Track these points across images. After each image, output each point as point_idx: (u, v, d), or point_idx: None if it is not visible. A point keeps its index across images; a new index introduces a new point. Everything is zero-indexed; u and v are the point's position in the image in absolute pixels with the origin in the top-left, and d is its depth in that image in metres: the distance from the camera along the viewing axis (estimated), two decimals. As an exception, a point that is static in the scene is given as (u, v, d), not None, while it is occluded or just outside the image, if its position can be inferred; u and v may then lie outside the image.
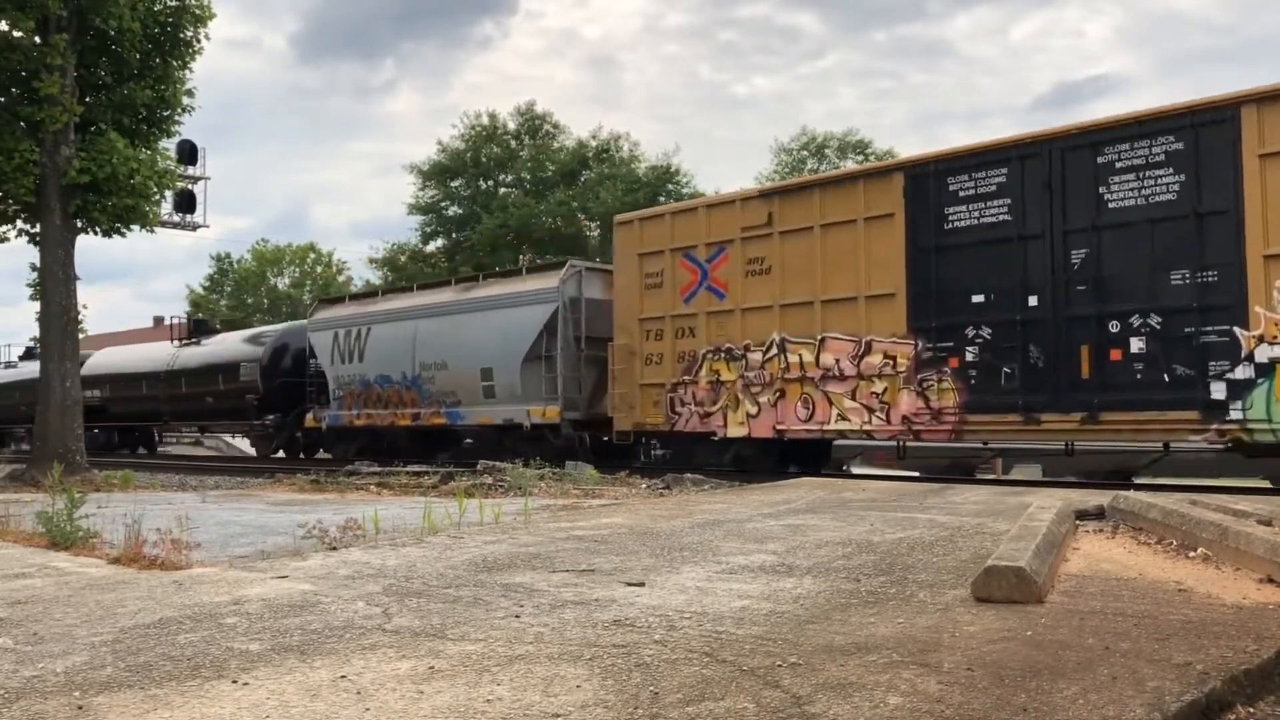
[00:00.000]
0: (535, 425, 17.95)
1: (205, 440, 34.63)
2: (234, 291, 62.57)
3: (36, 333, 17.56)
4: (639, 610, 4.54)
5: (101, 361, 30.94)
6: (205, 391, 26.43)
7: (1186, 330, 11.49)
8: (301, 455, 25.28)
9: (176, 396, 27.62)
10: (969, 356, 13.21)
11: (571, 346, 17.90)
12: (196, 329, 30.18)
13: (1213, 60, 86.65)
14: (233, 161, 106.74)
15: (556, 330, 17.88)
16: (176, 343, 29.07)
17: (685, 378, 16.02)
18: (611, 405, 17.08)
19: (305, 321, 26.54)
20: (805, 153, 50.05)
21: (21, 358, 36.17)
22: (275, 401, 24.54)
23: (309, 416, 23.29)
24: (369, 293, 24.63)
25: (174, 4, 17.38)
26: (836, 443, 15.95)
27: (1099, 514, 7.32)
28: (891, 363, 13.81)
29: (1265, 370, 11.00)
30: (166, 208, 20.82)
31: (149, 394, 28.51)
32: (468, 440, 21.36)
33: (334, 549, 6.84)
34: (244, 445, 32.53)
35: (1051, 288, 12.55)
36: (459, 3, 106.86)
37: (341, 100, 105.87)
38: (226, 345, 27.06)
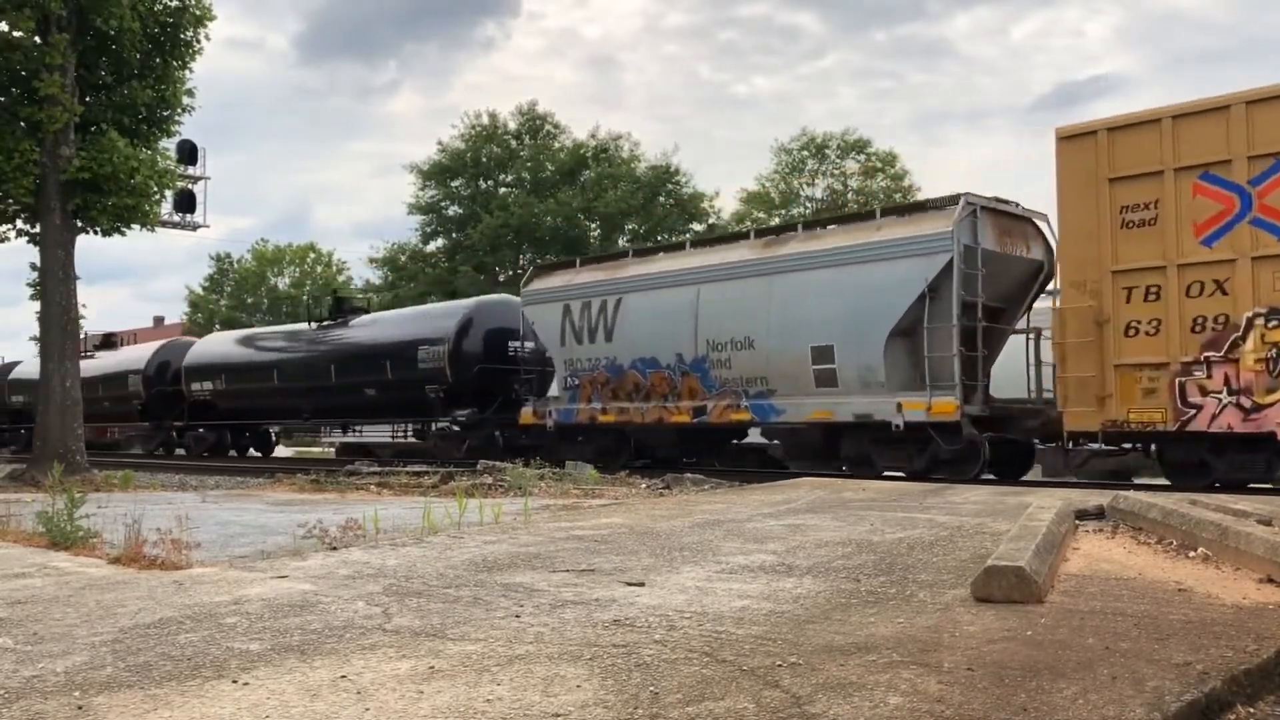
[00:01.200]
0: (910, 423, 13.60)
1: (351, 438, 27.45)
2: (234, 291, 62.56)
3: (37, 333, 17.53)
4: (639, 610, 4.54)
5: (211, 350, 28.11)
6: (365, 382, 22.07)
7: None
8: (505, 461, 18.93)
9: (322, 389, 23.28)
10: None
11: (962, 314, 13.45)
12: (338, 308, 25.38)
13: (1213, 60, 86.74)
14: (234, 161, 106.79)
15: (946, 291, 13.41)
16: (313, 325, 24.75)
17: (1210, 354, 11.35)
18: (1061, 395, 12.44)
19: (496, 297, 22.89)
20: (805, 153, 50.05)
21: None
22: (466, 393, 20.04)
23: (526, 411, 18.36)
24: (613, 255, 19.53)
25: (174, 4, 17.39)
26: None
27: (1099, 514, 7.32)
28: None
29: None
30: (166, 208, 20.83)
31: (282, 386, 24.64)
32: (774, 442, 17.55)
33: (334, 549, 6.84)
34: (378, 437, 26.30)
35: None
36: (461, 4, 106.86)
37: (343, 101, 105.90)
38: (392, 326, 22.74)
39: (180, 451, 29.29)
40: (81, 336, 20.76)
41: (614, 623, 4.29)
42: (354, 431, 26.27)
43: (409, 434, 24.48)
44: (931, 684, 3.31)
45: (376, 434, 26.08)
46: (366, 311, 25.80)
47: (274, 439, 30.08)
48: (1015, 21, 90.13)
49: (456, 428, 20.59)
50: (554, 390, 18.49)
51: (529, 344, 19.82)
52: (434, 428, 21.89)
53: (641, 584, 5.19)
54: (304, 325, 25.49)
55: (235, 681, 3.46)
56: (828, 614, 4.43)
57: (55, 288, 16.66)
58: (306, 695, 3.28)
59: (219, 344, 28.84)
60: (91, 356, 29.79)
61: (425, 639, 4.03)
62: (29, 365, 32.45)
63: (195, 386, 27.45)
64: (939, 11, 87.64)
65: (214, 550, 7.04)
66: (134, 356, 30.30)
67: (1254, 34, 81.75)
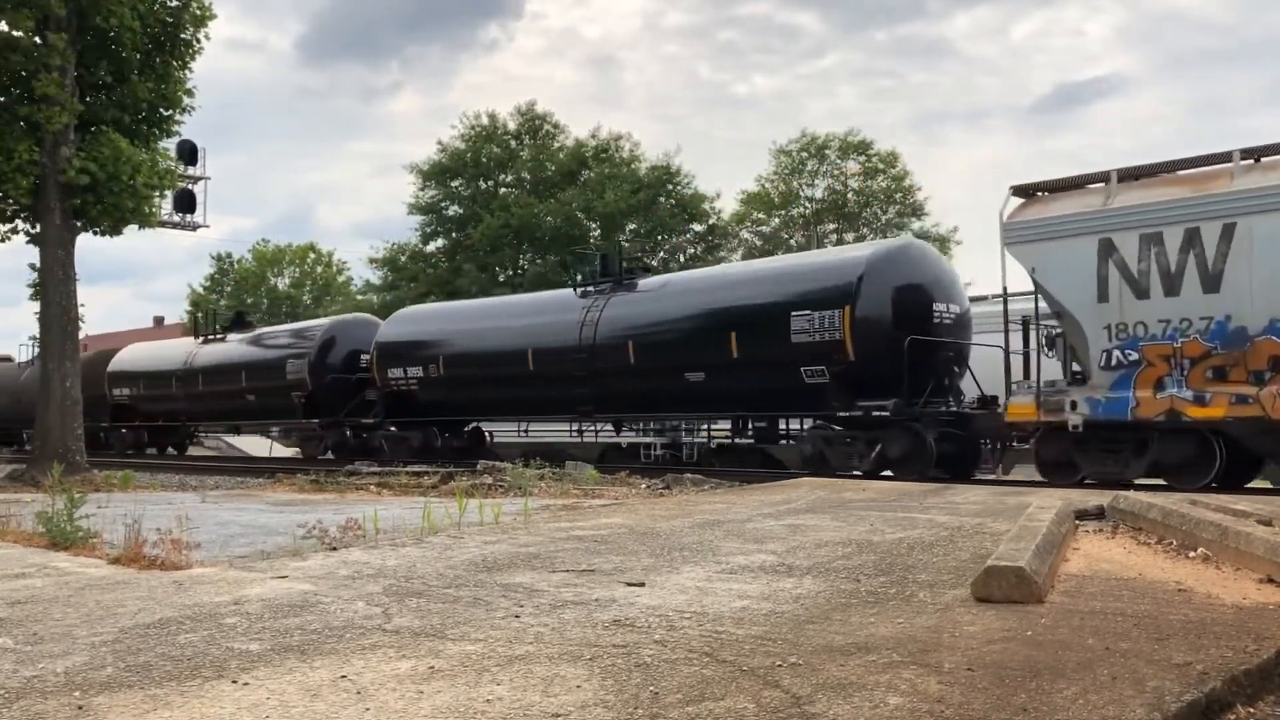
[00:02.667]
0: None
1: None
2: (234, 292, 62.59)
3: (36, 333, 17.52)
4: (639, 610, 4.54)
5: (418, 328, 22.07)
6: (754, 365, 15.25)
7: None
8: (996, 474, 15.36)
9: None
10: None
11: None
12: (599, 272, 19.33)
13: (1213, 60, 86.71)
14: (236, 162, 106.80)
15: None
16: (579, 292, 18.95)
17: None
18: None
19: (895, 241, 17.47)
20: (805, 154, 50.04)
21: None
22: (874, 377, 13.92)
23: (1021, 402, 12.47)
24: (1190, 161, 12.13)
25: (174, 4, 17.39)
26: None
27: (1099, 514, 7.31)
28: None
29: None
30: (166, 208, 20.84)
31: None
32: None
33: (334, 549, 6.84)
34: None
35: None
36: (465, 7, 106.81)
37: (345, 102, 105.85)
38: (770, 279, 16.01)
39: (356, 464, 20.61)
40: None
41: (614, 623, 4.29)
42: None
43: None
44: (931, 684, 3.31)
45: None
46: (654, 272, 21.69)
47: (489, 439, 22.95)
48: (1015, 21, 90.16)
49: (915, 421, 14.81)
50: (1055, 372, 12.71)
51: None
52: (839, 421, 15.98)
53: (641, 584, 5.19)
54: (570, 293, 19.90)
55: (235, 681, 3.46)
56: (828, 614, 4.43)
57: (55, 288, 16.66)
58: (306, 695, 3.28)
59: (426, 319, 22.63)
60: (220, 339, 26.61)
61: (425, 639, 4.03)
62: (141, 352, 29.52)
63: (394, 374, 21.23)
64: (939, 11, 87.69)
65: (214, 550, 7.04)
66: (289, 339, 25.37)
67: (1255, 33, 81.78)
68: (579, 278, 20.62)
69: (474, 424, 22.17)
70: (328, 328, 24.28)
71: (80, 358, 27.24)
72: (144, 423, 28.43)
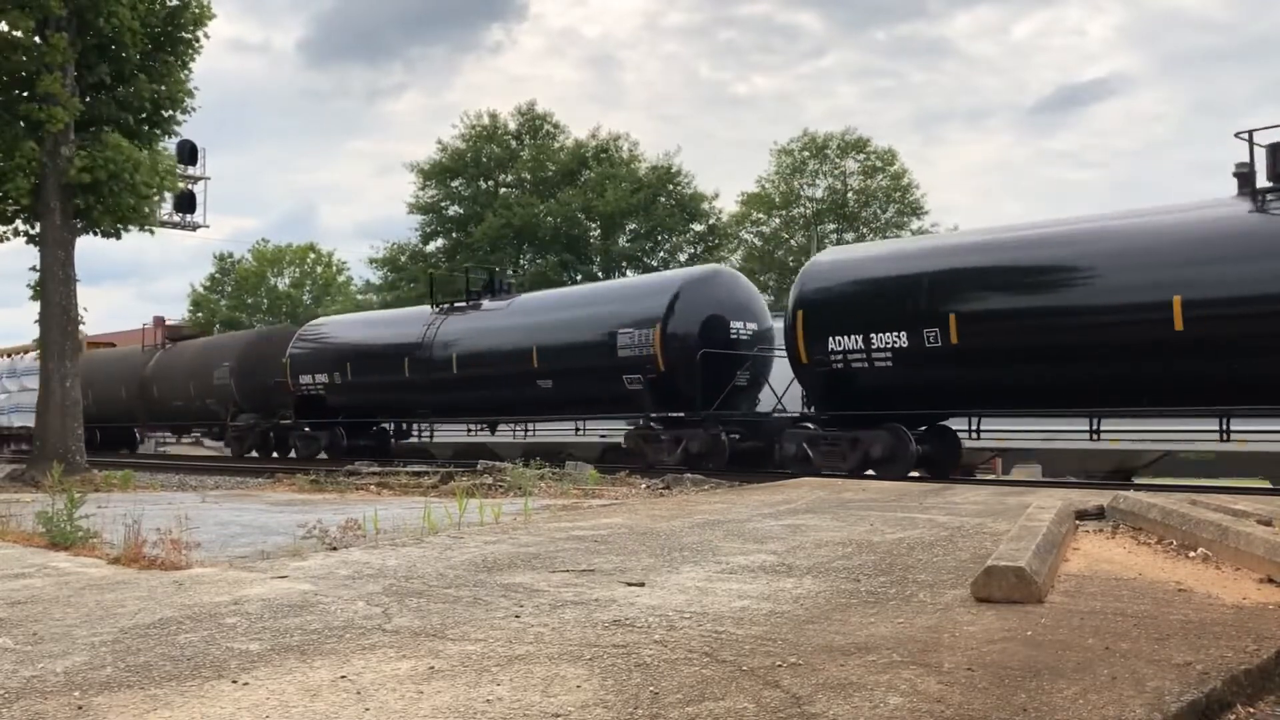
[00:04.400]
0: None
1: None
2: (234, 292, 62.59)
3: (37, 333, 17.50)
4: (639, 610, 4.54)
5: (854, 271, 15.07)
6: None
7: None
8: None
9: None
10: None
11: None
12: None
13: (1213, 59, 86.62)
14: (238, 162, 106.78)
15: None
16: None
17: None
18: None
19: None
20: (806, 154, 50.06)
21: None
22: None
23: None
24: None
25: (174, 3, 17.39)
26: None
27: (1099, 514, 7.31)
28: None
29: None
30: (166, 208, 20.83)
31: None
32: None
33: (334, 549, 6.83)
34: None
35: None
36: (468, 10, 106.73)
37: (347, 103, 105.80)
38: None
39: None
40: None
41: (614, 623, 4.29)
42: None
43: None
44: (931, 684, 3.31)
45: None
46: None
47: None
48: (1016, 20, 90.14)
49: None
50: None
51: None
52: None
53: (641, 584, 5.19)
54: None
55: (235, 681, 3.46)
56: (828, 614, 4.43)
57: (55, 288, 16.65)
58: (306, 695, 3.28)
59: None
60: (475, 306, 20.32)
61: (425, 639, 4.03)
62: (343, 329, 24.34)
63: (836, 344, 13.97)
64: (939, 10, 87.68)
65: (214, 550, 7.04)
66: (618, 302, 17.88)
67: (1256, 33, 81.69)
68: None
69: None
70: (680, 283, 16.92)
71: (252, 337, 27.53)
72: (349, 418, 22.61)
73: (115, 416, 30.51)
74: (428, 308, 21.36)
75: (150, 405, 28.84)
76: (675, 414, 16.30)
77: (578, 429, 20.37)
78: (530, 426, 20.50)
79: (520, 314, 19.35)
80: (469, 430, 22.69)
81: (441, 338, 20.17)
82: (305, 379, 23.13)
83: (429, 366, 20.09)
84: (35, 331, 17.55)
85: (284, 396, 23.83)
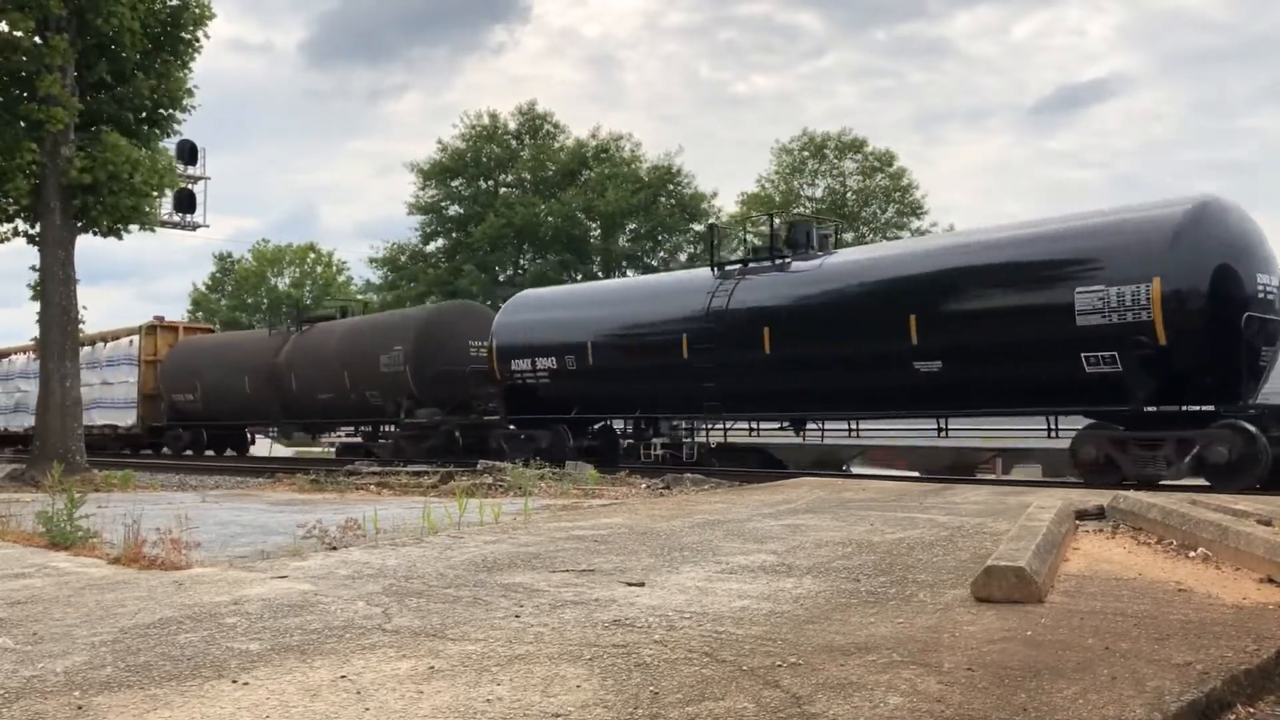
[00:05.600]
0: None
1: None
2: (234, 291, 62.64)
3: (37, 333, 17.51)
4: (639, 610, 4.54)
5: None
6: None
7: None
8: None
9: None
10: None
11: None
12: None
13: (1213, 59, 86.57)
14: (239, 162, 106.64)
15: None
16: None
17: None
18: None
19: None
20: (805, 153, 50.08)
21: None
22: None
23: None
24: None
25: (174, 3, 17.39)
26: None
27: (1099, 514, 7.31)
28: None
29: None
30: (166, 208, 20.82)
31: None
32: None
33: (334, 549, 6.84)
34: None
35: None
36: (470, 11, 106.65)
37: (348, 103, 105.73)
38: None
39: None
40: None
41: (614, 623, 4.29)
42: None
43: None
44: (931, 684, 3.31)
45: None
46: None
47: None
48: (1016, 20, 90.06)
49: None
50: None
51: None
52: None
53: (641, 584, 5.20)
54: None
55: (235, 681, 3.46)
56: (828, 614, 4.43)
57: (55, 288, 16.65)
58: (306, 695, 3.28)
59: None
60: (781, 267, 15.90)
61: (425, 639, 4.03)
62: (578, 298, 20.08)
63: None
64: (939, 10, 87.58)
65: (214, 550, 7.04)
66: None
67: (1257, 32, 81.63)
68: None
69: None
70: (1180, 219, 12.06)
71: (433, 314, 22.08)
72: (584, 413, 18.25)
73: (232, 413, 26.00)
74: (706, 271, 16.92)
75: (286, 400, 23.79)
76: (1188, 407, 12.02)
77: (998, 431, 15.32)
78: (857, 425, 15.79)
79: (871, 271, 14.62)
80: (751, 431, 17.50)
81: (739, 306, 15.57)
82: (520, 365, 18.26)
83: (721, 343, 15.56)
84: (35, 331, 17.56)
85: (468, 387, 19.76)
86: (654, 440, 18.14)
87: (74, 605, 4.88)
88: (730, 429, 17.68)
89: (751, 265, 16.54)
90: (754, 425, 17.64)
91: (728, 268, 16.73)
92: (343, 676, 3.49)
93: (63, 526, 7.28)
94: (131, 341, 28.72)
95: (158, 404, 27.87)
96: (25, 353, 31.52)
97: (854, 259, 15.46)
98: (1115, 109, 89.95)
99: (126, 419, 28.25)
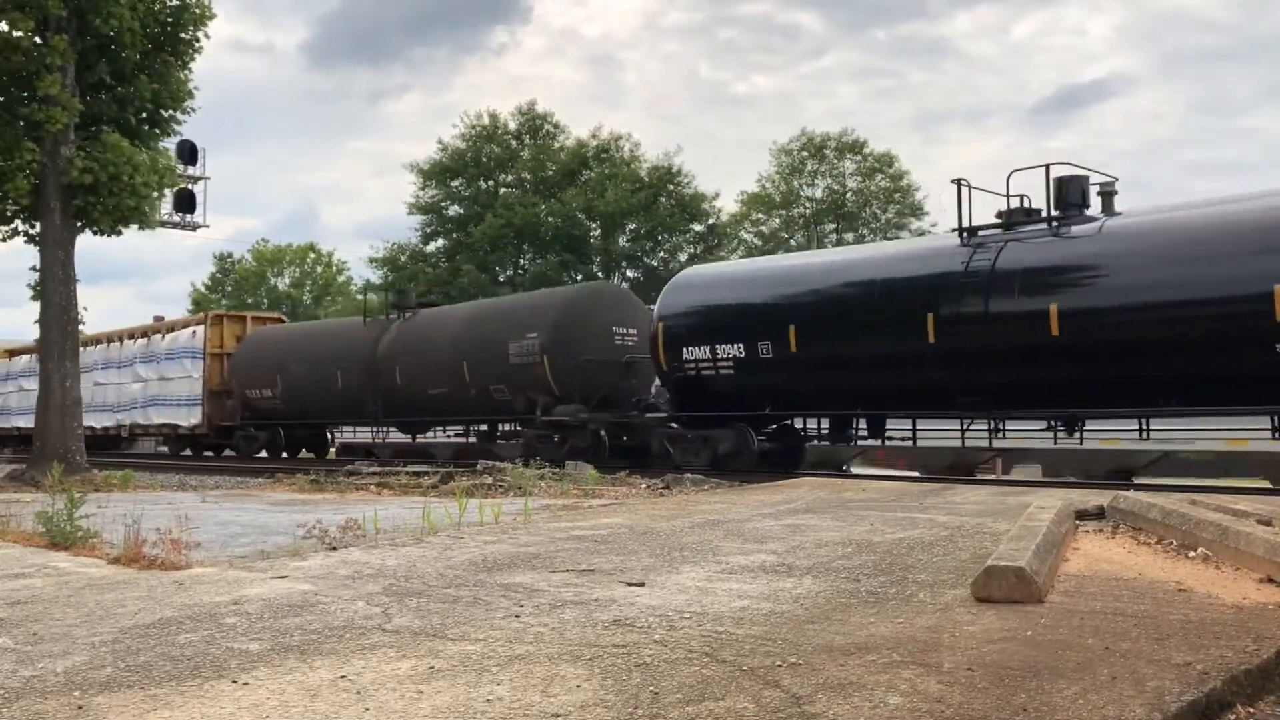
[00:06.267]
0: None
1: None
2: (234, 291, 62.66)
3: (37, 333, 17.51)
4: (639, 610, 4.54)
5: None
6: None
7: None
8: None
9: None
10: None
11: None
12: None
13: (1213, 59, 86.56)
14: (239, 162, 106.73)
15: None
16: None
17: None
18: None
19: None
20: (805, 154, 50.08)
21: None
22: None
23: None
24: None
25: (174, 4, 17.39)
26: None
27: (1099, 514, 7.31)
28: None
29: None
30: (166, 208, 20.81)
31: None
32: None
33: (334, 549, 6.84)
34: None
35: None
36: (472, 12, 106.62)
37: (349, 104, 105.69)
38: None
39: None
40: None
41: (614, 623, 4.29)
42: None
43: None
44: (931, 684, 3.31)
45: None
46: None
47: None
48: (1016, 20, 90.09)
49: None
50: None
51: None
52: None
53: (641, 584, 5.19)
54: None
55: (235, 681, 3.46)
56: (828, 614, 4.43)
57: (55, 288, 16.66)
58: (306, 695, 3.28)
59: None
60: (1057, 231, 12.81)
61: (425, 639, 4.03)
62: (765, 273, 16.65)
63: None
64: (939, 10, 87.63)
65: (214, 550, 7.04)
66: None
67: (1257, 32, 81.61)
68: None
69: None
70: None
71: (575, 296, 18.82)
72: (780, 409, 15.50)
73: (321, 411, 22.99)
74: (954, 238, 13.79)
75: (388, 395, 20.61)
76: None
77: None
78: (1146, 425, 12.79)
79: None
80: (1051, 427, 13.51)
81: (1007, 273, 12.71)
82: (695, 354, 15.57)
83: (985, 322, 12.67)
84: (35, 331, 17.57)
85: (615, 380, 17.21)
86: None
87: (74, 605, 4.88)
88: (1007, 430, 14.41)
89: (1017, 230, 13.21)
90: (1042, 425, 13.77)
91: (982, 233, 13.51)
92: (343, 676, 3.49)
93: (63, 526, 7.28)
94: (195, 333, 25.47)
95: (223, 401, 24.85)
96: (106, 342, 28.77)
97: (1090, 228, 12.63)
98: (1115, 109, 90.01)
99: (190, 418, 25.16)
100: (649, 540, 6.84)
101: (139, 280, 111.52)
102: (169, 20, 17.27)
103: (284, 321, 28.67)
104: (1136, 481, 13.68)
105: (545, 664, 3.62)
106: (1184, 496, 7.72)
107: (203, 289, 64.29)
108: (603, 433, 17.31)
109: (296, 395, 22.83)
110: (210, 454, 25.76)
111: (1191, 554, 5.73)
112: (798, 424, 16.24)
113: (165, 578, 5.62)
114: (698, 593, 4.95)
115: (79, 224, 16.90)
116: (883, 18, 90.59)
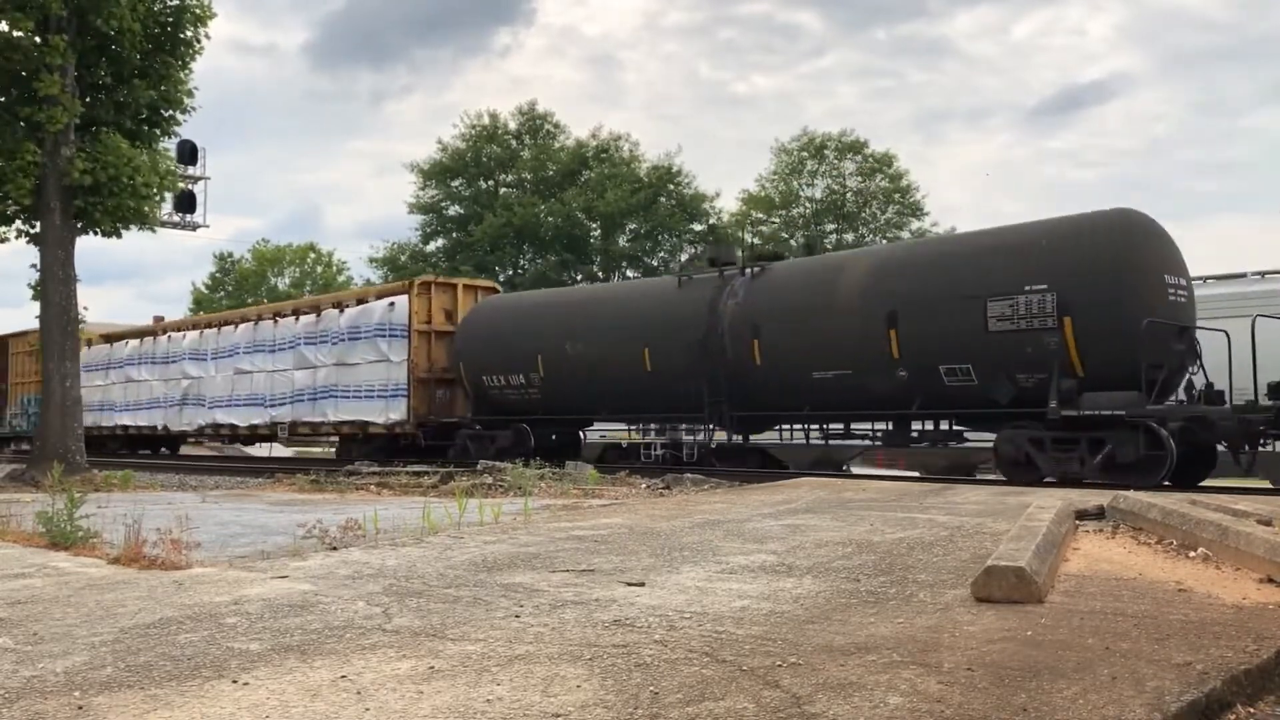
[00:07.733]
0: None
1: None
2: (234, 291, 62.66)
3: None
4: (639, 610, 4.54)
5: None
6: None
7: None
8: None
9: None
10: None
11: None
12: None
13: (1213, 59, 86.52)
14: (240, 162, 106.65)
15: None
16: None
17: None
18: None
19: None
20: (805, 154, 50.08)
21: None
22: None
23: None
24: None
25: (174, 4, 17.40)
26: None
27: (1099, 514, 7.32)
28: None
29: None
30: (166, 208, 20.79)
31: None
32: None
33: (334, 549, 6.84)
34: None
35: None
36: (474, 13, 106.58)
37: (351, 105, 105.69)
38: None
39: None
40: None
41: (614, 623, 4.29)
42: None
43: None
44: (931, 684, 3.31)
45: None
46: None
47: None
48: (1016, 20, 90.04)
49: None
50: None
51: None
52: None
53: (641, 584, 5.20)
54: None
55: (235, 681, 3.46)
56: (828, 614, 4.43)
57: (55, 288, 16.67)
58: (306, 695, 3.28)
59: None
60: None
61: (425, 639, 4.03)
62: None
63: None
64: (939, 10, 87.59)
65: (214, 550, 7.04)
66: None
67: (1257, 32, 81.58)
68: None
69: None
70: None
71: (1056, 234, 11.24)
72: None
73: (616, 403, 17.09)
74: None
75: (735, 381, 14.95)
76: None
77: None
78: None
79: None
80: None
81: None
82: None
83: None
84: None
85: (1165, 354, 11.37)
86: None
87: (74, 605, 4.88)
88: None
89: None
90: None
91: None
92: (343, 676, 3.49)
93: (63, 526, 7.28)
94: (392, 305, 19.84)
95: (432, 391, 19.65)
96: (256, 320, 23.70)
97: None
98: (1115, 109, 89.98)
99: (387, 412, 19.60)
100: (649, 540, 6.84)
101: (140, 280, 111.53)
102: (169, 20, 17.27)
103: (498, 290, 22.18)
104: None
105: (545, 664, 3.62)
106: (1184, 496, 7.72)
107: (203, 289, 64.31)
108: (1165, 433, 11.04)
109: (570, 383, 17.32)
110: (415, 459, 18.67)
111: (1191, 554, 5.73)
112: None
113: (165, 578, 5.62)
114: (698, 593, 4.95)
115: (79, 224, 16.91)
116: (883, 18, 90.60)
